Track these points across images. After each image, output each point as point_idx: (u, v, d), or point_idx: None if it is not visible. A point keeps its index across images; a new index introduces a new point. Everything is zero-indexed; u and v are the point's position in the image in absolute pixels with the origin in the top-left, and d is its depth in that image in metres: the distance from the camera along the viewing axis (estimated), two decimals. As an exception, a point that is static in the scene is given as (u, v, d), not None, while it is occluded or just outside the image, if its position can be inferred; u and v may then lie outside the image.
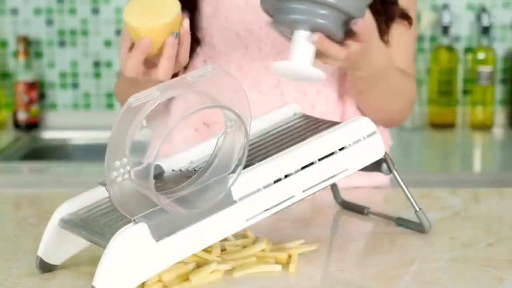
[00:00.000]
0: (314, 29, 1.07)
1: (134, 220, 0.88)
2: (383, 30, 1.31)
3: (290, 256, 0.99)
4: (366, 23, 1.11)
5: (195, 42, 1.34)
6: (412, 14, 1.35)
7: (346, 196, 1.22)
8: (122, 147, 0.86)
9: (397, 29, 1.34)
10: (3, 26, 2.63)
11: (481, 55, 2.57)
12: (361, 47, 1.13)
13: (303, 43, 1.07)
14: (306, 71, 1.08)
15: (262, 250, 1.00)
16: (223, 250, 1.01)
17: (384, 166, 1.08)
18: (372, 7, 1.30)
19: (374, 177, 1.33)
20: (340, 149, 1.01)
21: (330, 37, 1.08)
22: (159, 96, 0.87)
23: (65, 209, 0.97)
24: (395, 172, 1.08)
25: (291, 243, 1.02)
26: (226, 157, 0.92)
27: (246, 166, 0.93)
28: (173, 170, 1.01)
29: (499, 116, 2.63)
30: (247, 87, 1.33)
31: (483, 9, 2.57)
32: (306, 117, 1.12)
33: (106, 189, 0.88)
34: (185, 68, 1.29)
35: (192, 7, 1.33)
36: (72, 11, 2.62)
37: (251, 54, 1.34)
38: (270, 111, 1.13)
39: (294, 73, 1.09)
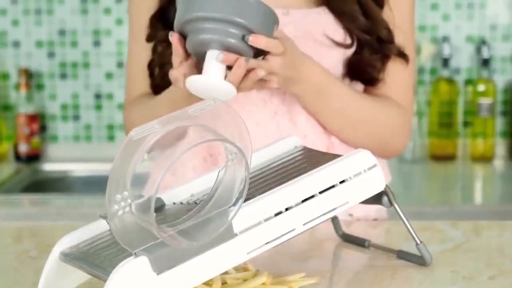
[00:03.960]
0: (223, 48, 1.12)
1: (135, 253, 0.88)
2: (378, 68, 1.33)
3: (291, 289, 0.99)
4: (281, 36, 1.16)
5: None
6: (409, 51, 1.36)
7: (347, 228, 1.22)
8: (123, 180, 0.86)
9: (394, 65, 1.35)
10: (5, 58, 2.64)
11: (481, 87, 2.58)
12: (281, 60, 1.16)
13: (213, 60, 1.13)
14: (217, 85, 1.13)
15: (263, 283, 1.00)
16: (223, 283, 1.00)
17: (385, 199, 1.08)
18: (369, 45, 1.32)
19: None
20: (341, 182, 1.02)
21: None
22: (160, 129, 0.87)
23: (65, 242, 0.97)
24: (396, 205, 1.08)
25: (291, 276, 1.02)
26: (227, 190, 0.92)
27: (247, 199, 0.93)
28: (174, 203, 1.01)
29: (500, 148, 2.63)
30: (244, 119, 1.33)
31: (483, 42, 2.59)
32: (307, 149, 1.12)
33: (107, 222, 0.88)
34: None
35: None
36: (74, 44, 2.64)
37: None
38: (271, 144, 1.13)
39: (206, 87, 1.13)
